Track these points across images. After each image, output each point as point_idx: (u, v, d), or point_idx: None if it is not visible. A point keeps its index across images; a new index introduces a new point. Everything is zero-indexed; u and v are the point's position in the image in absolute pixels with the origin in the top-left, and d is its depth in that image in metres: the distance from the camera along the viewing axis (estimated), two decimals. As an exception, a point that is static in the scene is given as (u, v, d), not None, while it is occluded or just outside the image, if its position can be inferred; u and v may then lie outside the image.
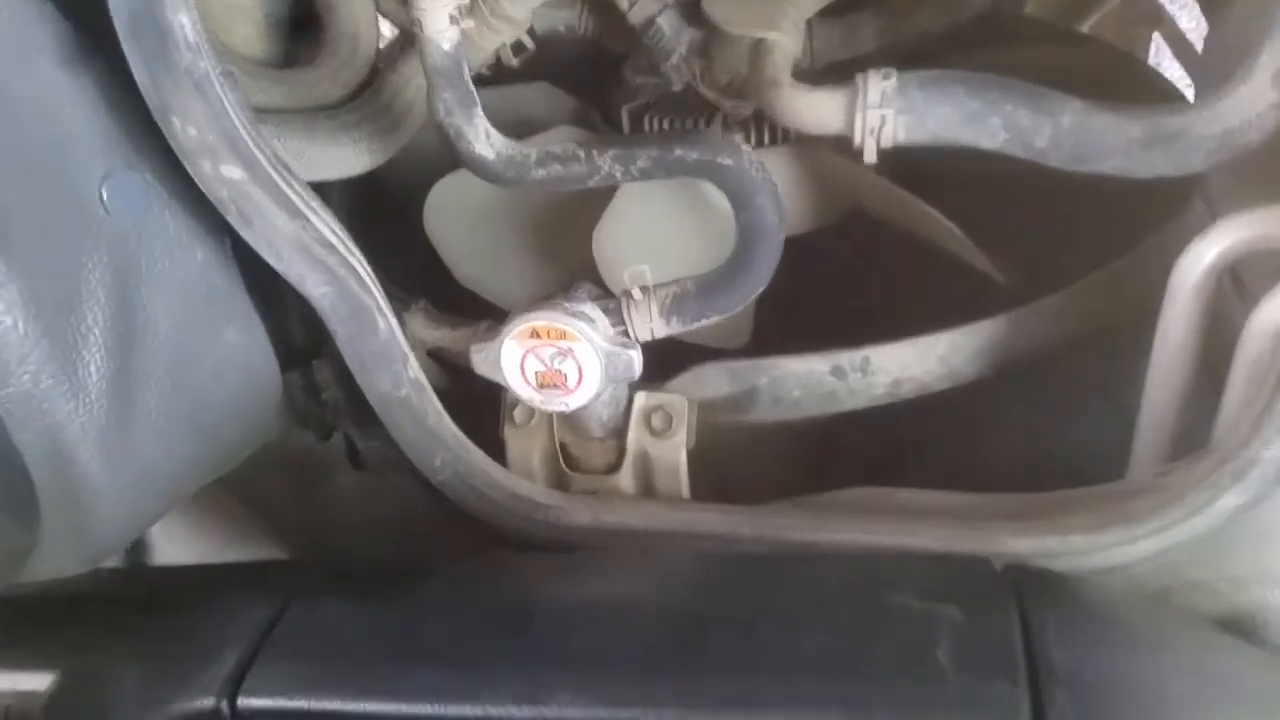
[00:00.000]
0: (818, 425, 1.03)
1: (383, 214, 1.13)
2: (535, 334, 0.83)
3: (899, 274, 1.13)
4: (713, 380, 0.98)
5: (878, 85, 0.81)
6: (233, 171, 0.71)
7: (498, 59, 1.05)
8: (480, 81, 1.11)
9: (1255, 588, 0.84)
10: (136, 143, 0.74)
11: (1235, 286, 0.87)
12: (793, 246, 1.13)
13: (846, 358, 0.97)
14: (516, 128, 1.15)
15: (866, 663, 0.67)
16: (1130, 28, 1.74)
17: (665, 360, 0.96)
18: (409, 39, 1.01)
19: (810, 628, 0.70)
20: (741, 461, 1.06)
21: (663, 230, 1.03)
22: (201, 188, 0.73)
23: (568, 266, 1.07)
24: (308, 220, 0.76)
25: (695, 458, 0.95)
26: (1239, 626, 0.86)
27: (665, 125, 1.13)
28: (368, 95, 1.01)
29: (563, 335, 0.82)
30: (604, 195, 1.06)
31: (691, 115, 1.11)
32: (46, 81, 0.70)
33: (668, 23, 1.01)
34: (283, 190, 0.74)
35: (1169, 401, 0.89)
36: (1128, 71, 1.34)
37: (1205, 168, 0.79)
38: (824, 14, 1.04)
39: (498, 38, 1.02)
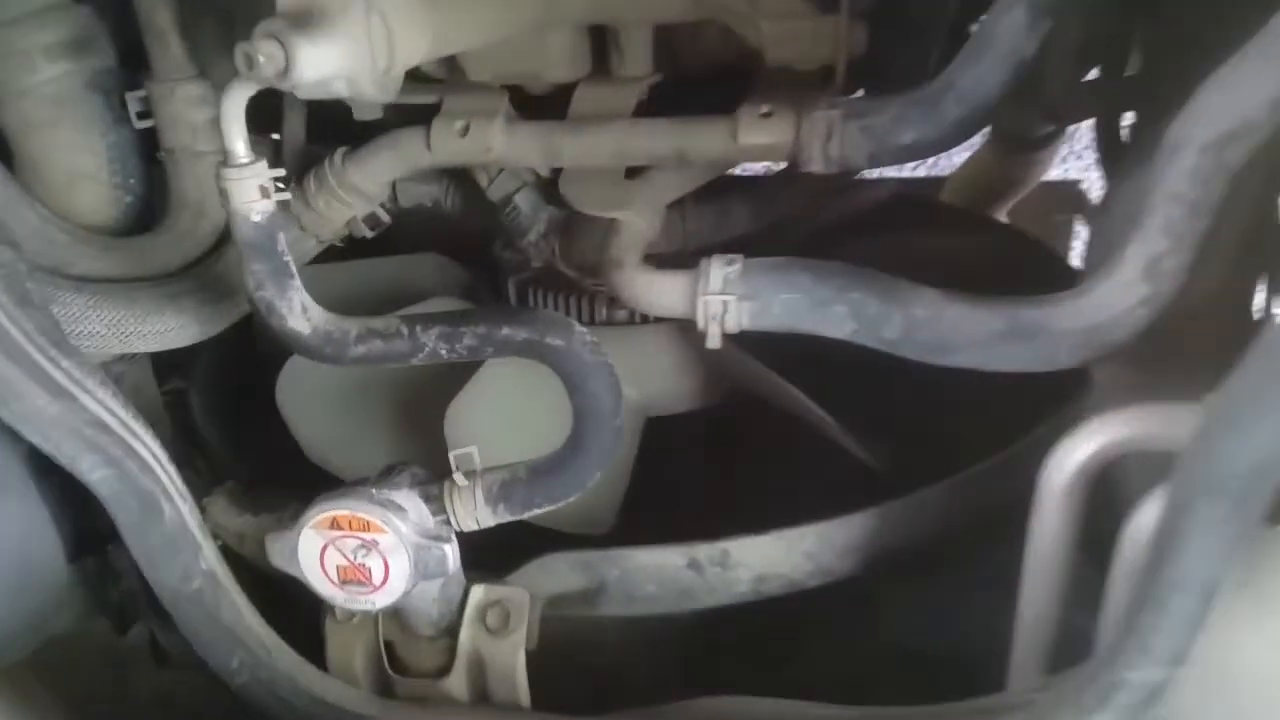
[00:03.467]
0: (686, 618, 0.95)
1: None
2: (336, 524, 0.75)
3: (776, 459, 1.07)
4: (559, 572, 0.90)
5: (720, 270, 0.76)
6: (-17, 352, 0.64)
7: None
8: (365, 251, 1.09)
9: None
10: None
11: (1120, 484, 0.80)
12: (669, 425, 1.10)
13: (704, 551, 0.90)
14: (404, 297, 1.12)
15: None
16: (1051, 214, 1.74)
17: (516, 547, 0.89)
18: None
19: None
20: (597, 656, 0.97)
21: (522, 410, 0.96)
22: (-47, 368, 0.65)
23: (427, 447, 1.00)
24: (75, 400, 0.69)
25: (540, 656, 0.87)
26: None
27: (548, 299, 1.09)
28: (205, 264, 0.96)
29: (366, 526, 0.74)
30: (468, 370, 1.00)
31: (575, 290, 1.07)
32: None
33: (525, 201, 0.99)
34: (43, 368, 0.67)
35: (1044, 608, 0.82)
36: (1033, 258, 1.31)
37: (1072, 364, 0.73)
38: (698, 196, 1.01)
39: (347, 210, 0.99)
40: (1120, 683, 0.69)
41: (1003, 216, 1.65)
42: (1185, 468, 0.61)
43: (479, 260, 1.20)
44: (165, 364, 1.10)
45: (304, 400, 1.05)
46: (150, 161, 0.98)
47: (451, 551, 0.76)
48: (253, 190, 0.75)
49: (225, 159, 0.74)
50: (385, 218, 1.03)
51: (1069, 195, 1.82)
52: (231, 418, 1.16)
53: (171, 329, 0.93)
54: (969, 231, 1.41)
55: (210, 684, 0.85)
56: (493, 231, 1.13)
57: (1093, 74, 1.22)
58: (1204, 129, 0.61)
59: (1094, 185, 1.84)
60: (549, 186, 0.98)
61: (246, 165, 0.74)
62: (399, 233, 1.25)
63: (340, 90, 0.73)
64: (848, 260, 0.91)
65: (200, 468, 1.00)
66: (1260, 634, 0.73)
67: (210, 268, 0.95)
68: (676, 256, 1.05)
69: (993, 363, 0.74)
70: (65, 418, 0.69)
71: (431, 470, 0.83)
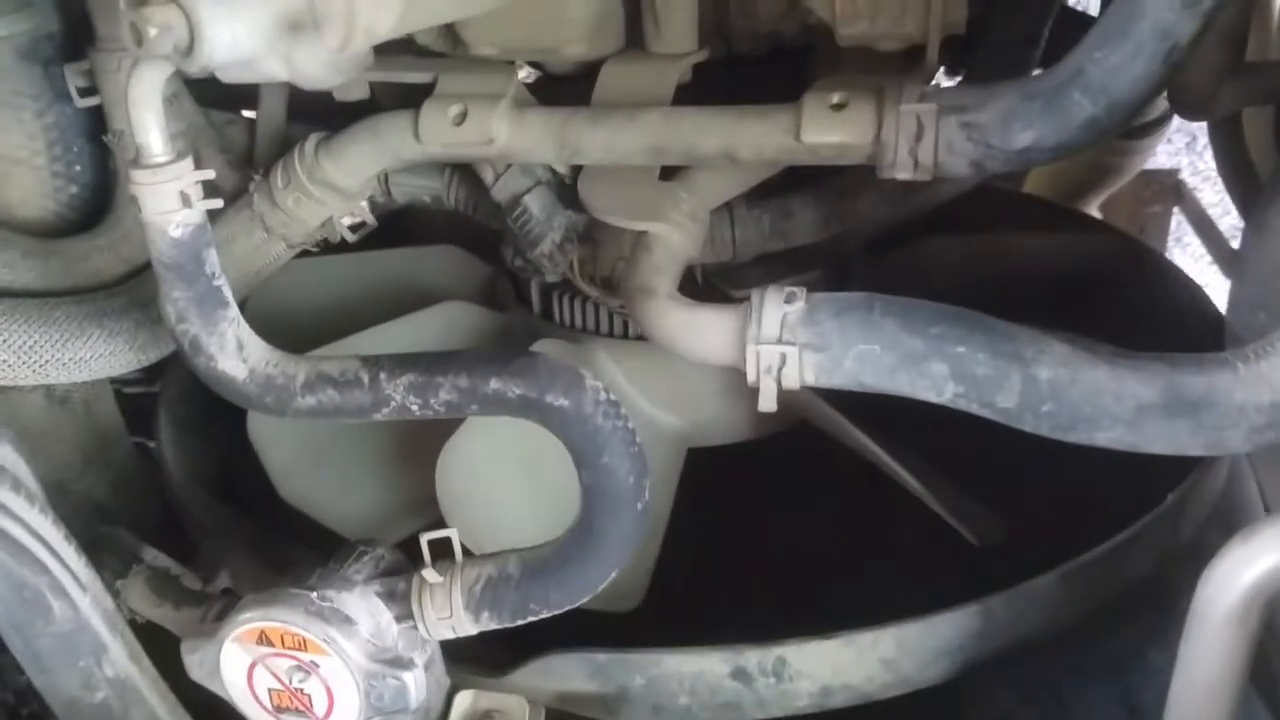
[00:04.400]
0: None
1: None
2: (266, 639, 0.58)
3: (848, 511, 0.92)
4: (567, 674, 0.73)
5: (776, 310, 0.58)
6: None
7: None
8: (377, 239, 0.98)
9: None
10: None
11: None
12: (720, 460, 0.96)
13: (755, 657, 0.74)
14: (413, 296, 1.03)
15: None
16: (1146, 206, 1.66)
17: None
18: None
19: None
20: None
21: (533, 451, 0.80)
22: None
23: (419, 488, 0.84)
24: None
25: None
26: None
27: (577, 305, 0.94)
28: (144, 276, 0.81)
29: (303, 645, 0.57)
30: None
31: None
32: None
33: (537, 204, 0.82)
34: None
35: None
36: (1135, 261, 1.16)
37: (1248, 449, 0.54)
38: (752, 195, 0.85)
39: (322, 209, 0.84)
40: None
41: (1095, 209, 1.54)
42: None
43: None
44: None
45: (279, 432, 0.91)
46: (98, 145, 0.86)
47: (414, 681, 0.60)
48: (171, 197, 0.58)
49: (135, 157, 0.57)
50: (370, 219, 0.88)
51: (1165, 186, 1.71)
52: (203, 438, 1.04)
53: (99, 355, 0.80)
54: (1059, 229, 1.26)
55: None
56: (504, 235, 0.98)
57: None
58: None
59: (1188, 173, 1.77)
60: (567, 187, 0.82)
61: (163, 165, 0.57)
62: (414, 222, 1.15)
63: (275, 72, 0.56)
64: (928, 267, 0.74)
65: (120, 543, 0.83)
66: None
67: (150, 280, 0.79)
68: (722, 272, 0.88)
69: (1144, 443, 0.55)
70: None
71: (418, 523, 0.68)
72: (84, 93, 0.83)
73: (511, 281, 1.04)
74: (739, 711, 0.75)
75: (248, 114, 0.94)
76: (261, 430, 0.91)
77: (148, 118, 0.57)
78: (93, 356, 0.79)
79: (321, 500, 0.91)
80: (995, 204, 1.25)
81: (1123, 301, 1.03)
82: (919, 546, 0.85)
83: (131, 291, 0.81)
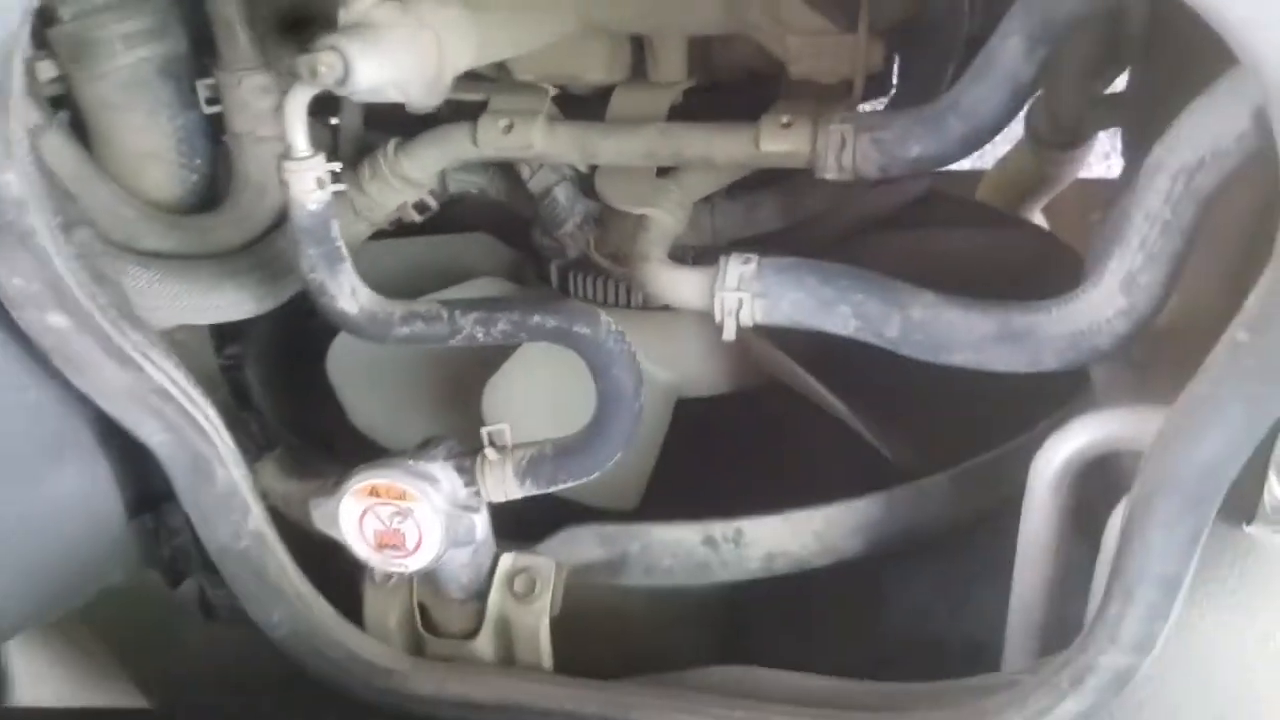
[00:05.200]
0: (708, 597, 1.02)
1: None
2: (374, 492, 0.82)
3: (798, 443, 1.13)
4: (583, 544, 0.97)
5: (736, 268, 0.81)
6: (58, 321, 0.72)
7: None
8: (420, 229, 1.17)
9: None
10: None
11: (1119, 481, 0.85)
12: (701, 407, 1.16)
13: (719, 528, 0.96)
14: (453, 275, 1.22)
15: None
16: (1088, 212, 1.74)
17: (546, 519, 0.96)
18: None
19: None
20: (619, 625, 1.04)
21: (554, 390, 1.03)
22: (29, 335, 0.73)
23: (466, 421, 1.07)
24: (141, 370, 0.76)
25: (564, 623, 0.93)
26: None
27: (589, 283, 1.16)
28: (263, 243, 1.02)
29: (402, 495, 0.81)
30: (506, 351, 1.07)
31: (613, 276, 1.14)
32: None
33: (563, 194, 1.05)
34: (114, 340, 0.74)
35: (1034, 597, 0.87)
36: (1055, 258, 1.35)
37: (1059, 368, 0.78)
38: (729, 192, 1.08)
39: (398, 196, 1.06)
40: (1092, 667, 0.74)
41: (1038, 213, 1.68)
42: (1146, 468, 0.67)
43: (526, 242, 1.26)
44: (223, 333, 1.17)
45: (352, 373, 1.13)
46: (216, 144, 1.04)
47: (480, 521, 0.83)
48: (310, 181, 0.81)
49: (287, 152, 0.81)
50: (433, 204, 1.10)
51: (1105, 193, 1.82)
52: (284, 387, 1.24)
53: (230, 303, 0.99)
54: (992, 229, 1.45)
55: (253, 637, 0.92)
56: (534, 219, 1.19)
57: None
58: (1178, 155, 0.66)
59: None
60: (585, 181, 1.04)
61: (306, 159, 0.81)
62: (452, 213, 1.32)
63: (393, 95, 0.79)
64: (870, 257, 0.97)
65: (254, 433, 1.07)
66: (1228, 629, 0.78)
67: (268, 246, 1.01)
68: (706, 251, 1.12)
69: (986, 363, 0.79)
70: (132, 387, 0.76)
71: (467, 443, 0.90)
72: (209, 102, 1.00)
73: (534, 263, 1.27)
74: (708, 572, 0.97)
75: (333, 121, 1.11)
76: (339, 372, 1.12)
77: (297, 126, 0.80)
78: (225, 304, 0.98)
79: (386, 428, 1.11)
80: (945, 208, 1.45)
81: (1042, 292, 1.23)
82: (849, 461, 1.05)
83: (253, 255, 1.01)
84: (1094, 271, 0.75)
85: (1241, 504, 0.73)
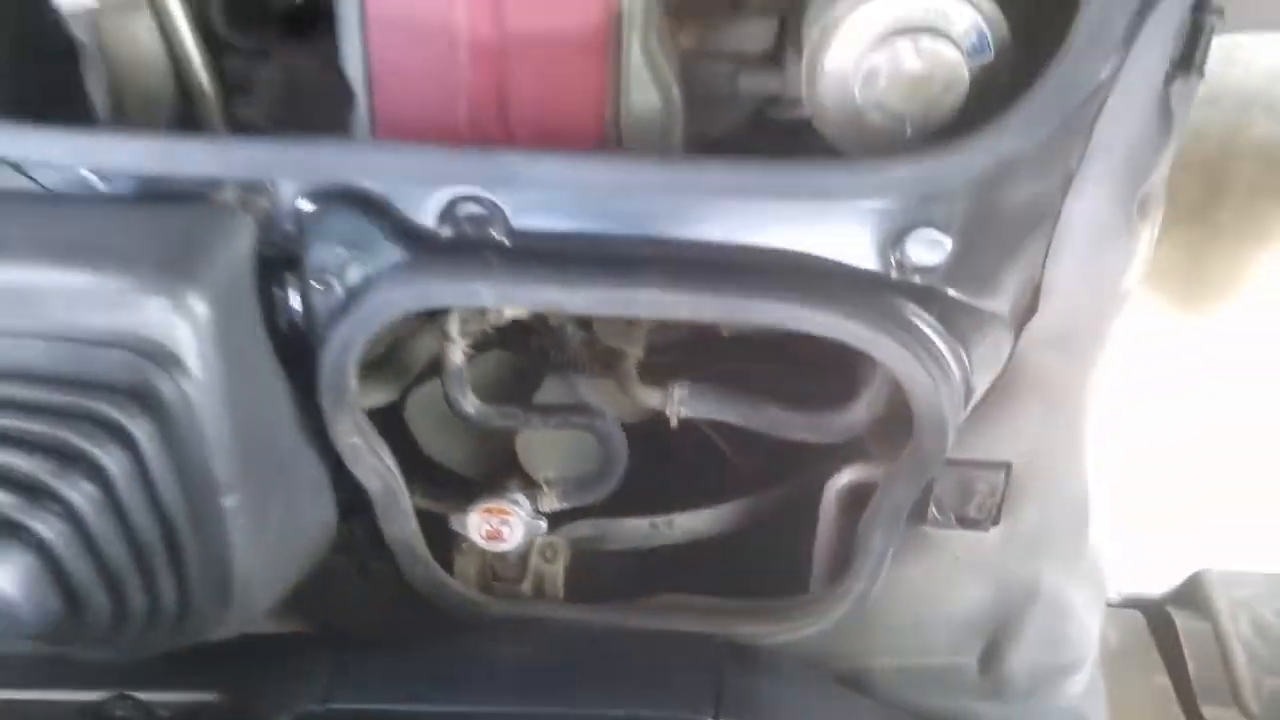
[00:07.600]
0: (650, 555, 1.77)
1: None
2: (489, 510, 1.54)
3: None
4: (584, 531, 1.69)
5: (680, 391, 1.53)
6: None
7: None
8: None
9: (861, 658, 1.60)
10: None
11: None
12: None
13: (662, 520, 1.70)
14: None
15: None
16: None
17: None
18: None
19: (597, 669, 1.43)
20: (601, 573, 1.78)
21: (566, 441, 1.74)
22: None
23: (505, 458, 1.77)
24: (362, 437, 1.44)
25: (572, 572, 1.68)
26: (855, 682, 1.62)
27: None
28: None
29: (503, 512, 1.54)
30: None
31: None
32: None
33: (569, 329, 1.71)
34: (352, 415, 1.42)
35: (825, 554, 1.64)
36: None
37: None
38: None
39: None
40: (850, 591, 1.52)
41: None
42: (877, 495, 1.45)
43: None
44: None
45: (425, 419, 1.80)
46: None
47: (544, 525, 1.56)
48: (459, 350, 1.52)
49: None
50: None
51: None
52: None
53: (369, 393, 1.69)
54: None
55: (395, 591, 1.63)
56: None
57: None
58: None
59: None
60: (582, 322, 1.74)
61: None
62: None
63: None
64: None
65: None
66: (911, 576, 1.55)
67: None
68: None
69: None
70: (357, 447, 1.44)
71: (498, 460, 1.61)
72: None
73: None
74: (650, 540, 1.66)
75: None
76: (415, 421, 1.81)
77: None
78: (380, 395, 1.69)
79: (450, 459, 1.85)
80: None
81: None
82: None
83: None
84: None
85: (920, 514, 1.50)
